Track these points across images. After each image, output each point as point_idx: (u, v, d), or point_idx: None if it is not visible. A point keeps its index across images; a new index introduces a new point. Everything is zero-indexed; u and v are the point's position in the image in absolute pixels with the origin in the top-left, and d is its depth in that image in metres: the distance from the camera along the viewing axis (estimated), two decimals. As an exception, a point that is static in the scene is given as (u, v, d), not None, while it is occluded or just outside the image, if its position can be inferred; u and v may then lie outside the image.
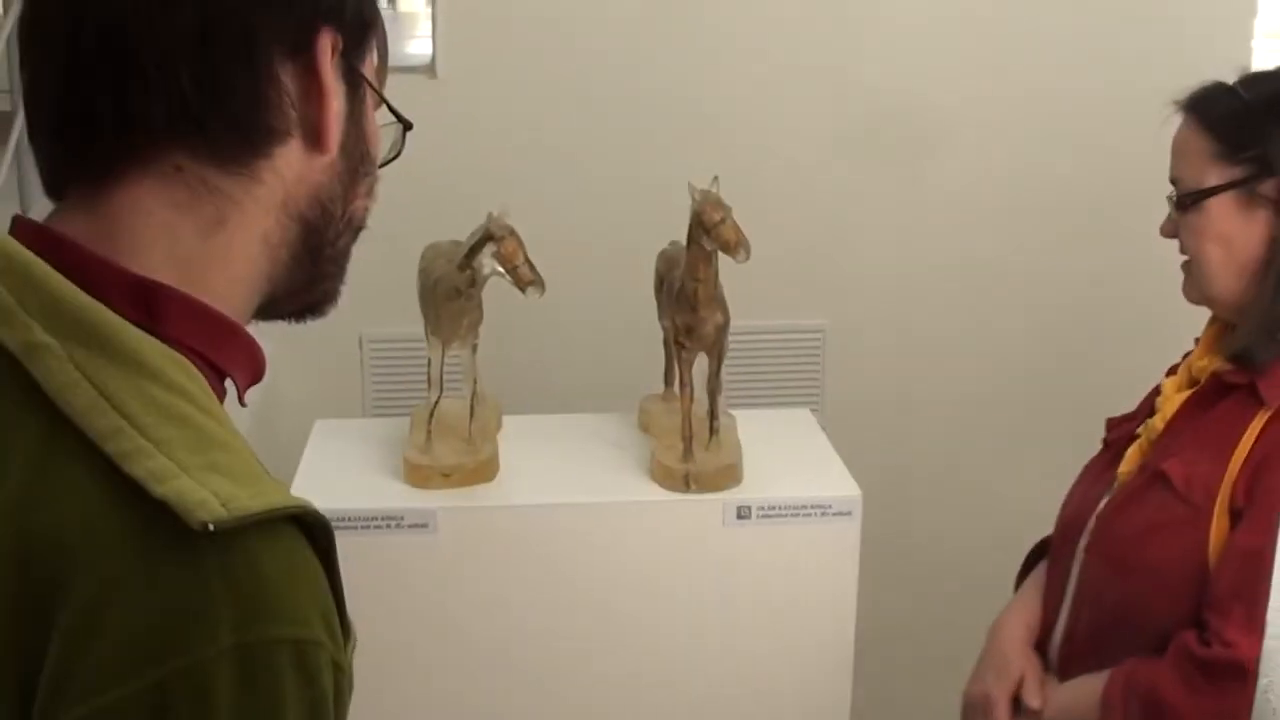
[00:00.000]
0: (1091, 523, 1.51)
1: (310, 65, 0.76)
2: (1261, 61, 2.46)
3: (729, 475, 1.71)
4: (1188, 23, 2.54)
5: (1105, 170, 2.62)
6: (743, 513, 1.68)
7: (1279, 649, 1.12)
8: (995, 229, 2.68)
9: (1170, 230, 1.44)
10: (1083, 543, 1.52)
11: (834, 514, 1.69)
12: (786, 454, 1.80)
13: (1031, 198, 2.66)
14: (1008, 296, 2.72)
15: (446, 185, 2.54)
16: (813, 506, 1.68)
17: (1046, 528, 1.63)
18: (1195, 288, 1.43)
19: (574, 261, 2.48)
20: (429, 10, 2.56)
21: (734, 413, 1.85)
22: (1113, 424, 1.62)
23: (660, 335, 1.86)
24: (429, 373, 1.77)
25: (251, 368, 0.84)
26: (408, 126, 0.86)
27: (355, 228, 0.84)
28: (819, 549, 1.69)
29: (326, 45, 0.77)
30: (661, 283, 1.81)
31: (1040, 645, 1.56)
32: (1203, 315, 1.48)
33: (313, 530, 0.72)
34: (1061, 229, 2.67)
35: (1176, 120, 1.41)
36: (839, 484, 1.72)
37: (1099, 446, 1.56)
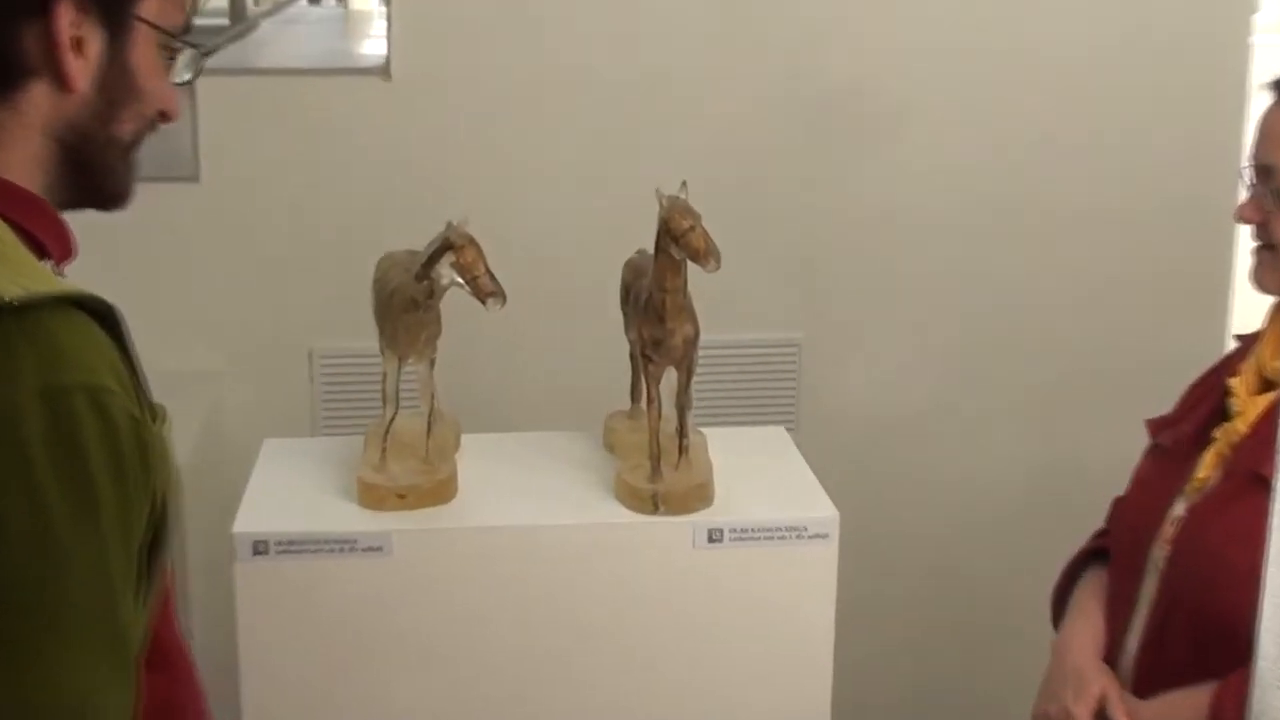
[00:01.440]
0: (1168, 530, 1.52)
1: (49, 26, 1.03)
2: (1261, 59, 2.47)
3: (699, 496, 1.71)
4: (1182, 18, 2.57)
5: (1093, 174, 2.66)
6: (714, 535, 1.68)
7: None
8: (983, 237, 2.69)
9: (1252, 214, 1.44)
10: (1160, 551, 1.52)
11: (810, 536, 1.69)
12: (760, 474, 1.81)
13: (1021, 204, 2.67)
14: (994, 308, 2.74)
15: (402, 192, 2.57)
16: (788, 529, 1.68)
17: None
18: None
19: (537, 272, 2.51)
20: (383, 9, 2.56)
21: (704, 430, 1.85)
22: (1158, 426, 1.63)
23: (626, 349, 1.86)
24: (384, 389, 1.76)
25: (63, 239, 1.12)
26: (204, 52, 1.13)
27: (123, 145, 1.11)
28: (795, 573, 1.69)
29: (61, 12, 1.03)
30: (628, 293, 1.81)
31: (1107, 659, 1.57)
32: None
33: (104, 318, 0.98)
34: (1049, 235, 2.69)
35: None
36: (816, 505, 1.73)
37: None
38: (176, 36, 1.10)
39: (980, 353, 2.75)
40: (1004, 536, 2.78)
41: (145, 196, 2.47)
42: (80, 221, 2.39)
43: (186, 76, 1.13)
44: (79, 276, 2.49)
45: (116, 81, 1.08)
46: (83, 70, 1.05)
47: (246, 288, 2.62)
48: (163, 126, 1.17)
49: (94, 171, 1.10)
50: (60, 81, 1.05)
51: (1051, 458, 2.75)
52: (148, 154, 1.17)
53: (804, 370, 2.71)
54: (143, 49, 1.09)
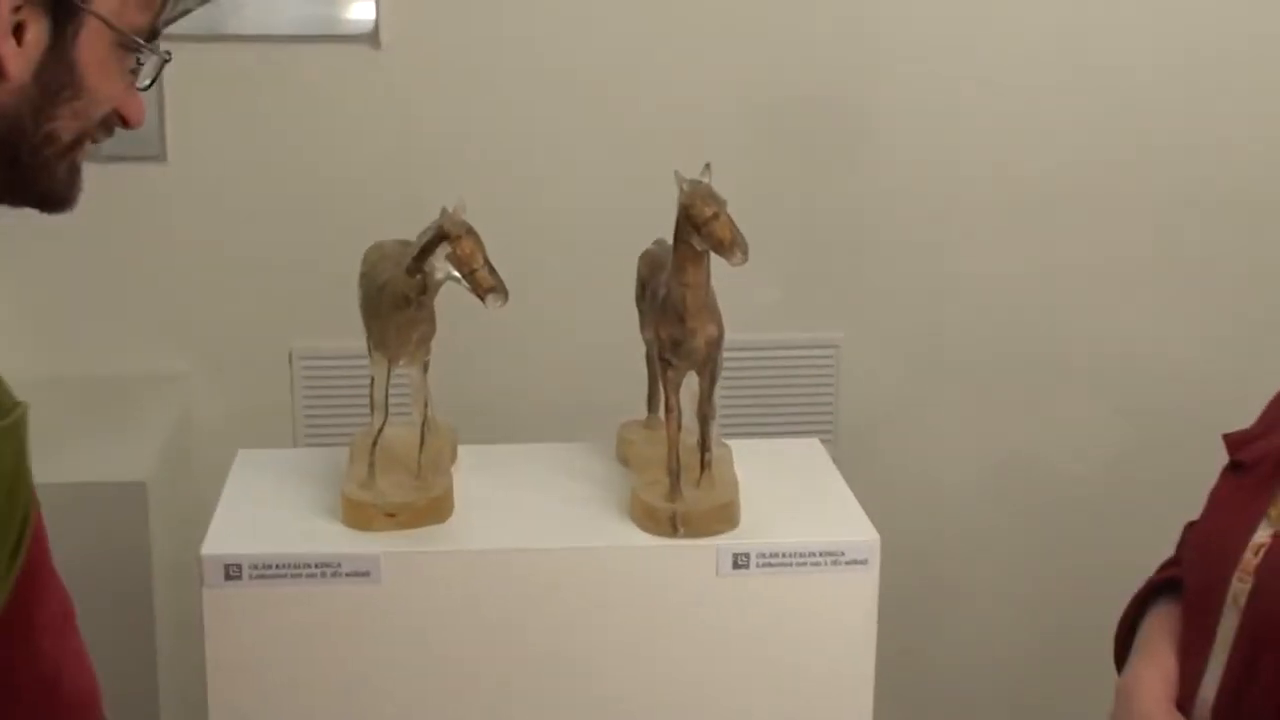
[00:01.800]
0: (1250, 559, 1.51)
1: None
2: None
3: (723, 517, 1.70)
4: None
5: (1163, 170, 2.67)
6: (740, 561, 1.68)
7: None
8: (1037, 229, 2.69)
9: None
10: (1241, 584, 1.51)
11: (848, 562, 1.68)
12: (792, 491, 1.80)
13: (1066, 197, 2.68)
14: (1051, 309, 2.72)
15: (393, 175, 2.55)
16: (823, 554, 1.67)
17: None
18: None
19: (542, 264, 2.54)
20: (371, -32, 2.61)
21: (730, 443, 1.85)
22: (1237, 442, 1.61)
23: (643, 350, 1.85)
24: (371, 395, 1.75)
25: None
26: (164, 60, 1.15)
27: (60, 144, 1.11)
28: (830, 603, 1.69)
29: None
30: (644, 289, 1.80)
31: (1180, 706, 1.56)
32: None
33: None
34: (1104, 229, 2.70)
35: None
36: (854, 527, 1.72)
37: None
38: (134, 39, 1.11)
39: (1039, 360, 2.74)
40: (1073, 562, 2.76)
41: (106, 178, 2.39)
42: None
43: (145, 83, 1.15)
44: (31, 267, 2.56)
45: (57, 75, 1.08)
46: (19, 58, 1.06)
47: (218, 280, 2.61)
48: (129, 133, 1.19)
49: (25, 168, 1.10)
50: None
51: (1131, 476, 2.74)
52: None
53: (843, 375, 2.69)
54: (93, 45, 1.10)
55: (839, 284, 2.67)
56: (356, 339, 1.79)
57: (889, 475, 2.65)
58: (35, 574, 1.18)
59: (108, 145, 1.20)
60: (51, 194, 1.13)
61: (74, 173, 1.14)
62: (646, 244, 1.85)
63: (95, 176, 2.18)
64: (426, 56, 2.52)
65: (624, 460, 1.87)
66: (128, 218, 2.55)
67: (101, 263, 2.57)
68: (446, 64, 2.56)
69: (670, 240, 1.66)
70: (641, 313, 1.82)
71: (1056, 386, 2.76)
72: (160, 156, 2.51)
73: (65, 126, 1.10)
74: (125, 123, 1.15)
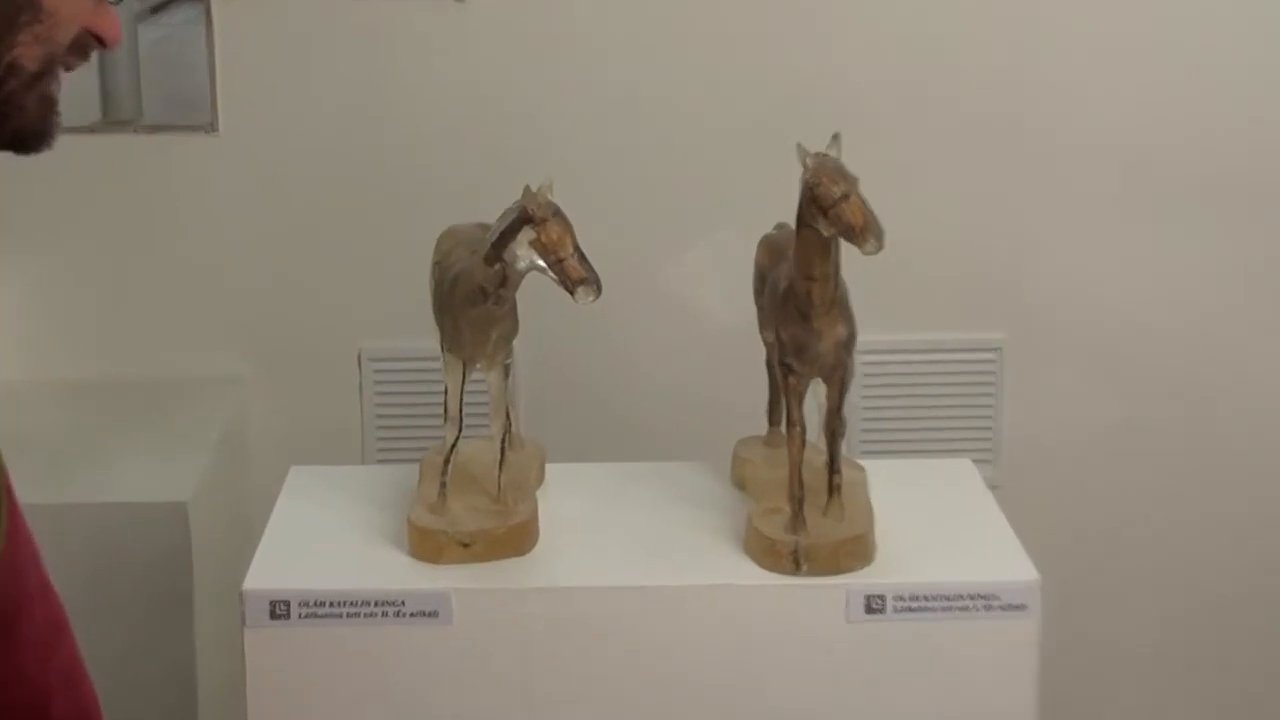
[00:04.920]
0: None
1: None
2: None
3: (855, 551, 1.71)
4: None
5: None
6: (874, 604, 1.68)
7: None
8: (1239, 213, 2.64)
9: None
10: None
11: (1004, 607, 1.67)
12: (938, 522, 1.81)
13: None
14: (1255, 304, 2.67)
15: (474, 149, 2.55)
16: (974, 596, 1.67)
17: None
18: None
19: (643, 253, 2.52)
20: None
21: (864, 463, 1.86)
22: None
23: (761, 354, 1.86)
24: (445, 404, 1.78)
25: None
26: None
27: (26, 74, 1.12)
28: (982, 655, 1.68)
29: None
30: (763, 282, 1.81)
31: None
32: None
33: None
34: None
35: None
36: (1011, 565, 1.72)
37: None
38: None
39: (1236, 370, 2.68)
40: (1264, 609, 2.73)
41: (148, 152, 2.53)
42: (66, 185, 2.47)
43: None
44: (66, 255, 2.61)
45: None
46: None
47: (277, 270, 2.63)
48: (107, 53, 1.19)
49: None
50: None
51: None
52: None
53: (1004, 383, 2.66)
54: None
55: (999, 276, 2.63)
56: (430, 339, 1.80)
57: (1056, 504, 2.61)
58: (18, 574, 1.18)
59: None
60: (24, 131, 1.14)
61: (46, 105, 1.13)
62: (766, 229, 1.84)
63: (136, 150, 2.21)
64: (518, 12, 2.52)
65: (739, 483, 1.89)
66: (172, 197, 2.54)
67: (144, 248, 2.59)
68: (540, 20, 2.56)
69: (794, 225, 1.67)
70: (760, 309, 1.83)
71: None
72: (211, 127, 2.52)
73: (28, 54, 1.10)
74: (101, 42, 1.15)
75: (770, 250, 1.81)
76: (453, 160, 2.55)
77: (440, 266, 1.78)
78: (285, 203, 2.61)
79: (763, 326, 1.83)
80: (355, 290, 2.63)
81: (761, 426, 1.93)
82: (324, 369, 2.65)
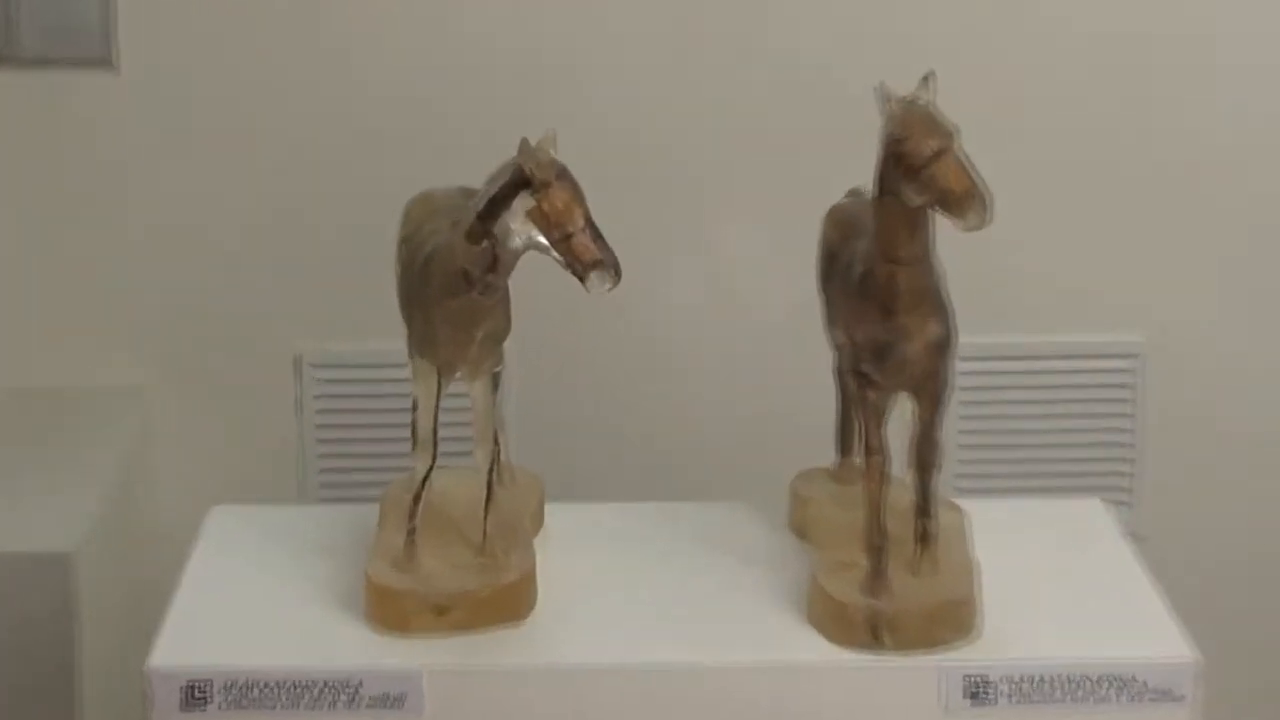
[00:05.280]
0: None
1: None
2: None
3: (953, 620, 1.71)
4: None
5: None
6: (979, 689, 1.68)
7: None
8: None
9: None
10: None
11: (1151, 696, 1.68)
12: (1061, 582, 1.80)
13: None
14: None
15: (449, 89, 2.57)
16: (1111, 679, 1.68)
17: None
18: None
19: (673, 225, 2.53)
20: None
21: (963, 504, 1.86)
22: None
23: (828, 362, 1.86)
24: (414, 424, 1.78)
25: None
26: None
27: None
28: None
29: None
30: (832, 265, 1.80)
31: None
32: None
33: None
34: None
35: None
36: (1160, 640, 1.71)
37: None
38: None
39: None
40: None
41: (24, 93, 2.49)
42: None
43: None
44: None
45: None
46: None
47: (192, 251, 2.63)
48: None
49: None
50: None
51: None
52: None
53: (1145, 400, 2.68)
54: None
55: (1137, 265, 2.69)
56: (394, 339, 1.80)
57: (1216, 560, 2.62)
58: None
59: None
60: None
61: None
62: (836, 196, 1.84)
63: (7, 90, 2.19)
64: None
65: (799, 529, 1.89)
66: (57, 153, 2.58)
67: (17, 220, 2.60)
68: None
69: (871, 190, 1.68)
70: (827, 301, 1.83)
71: None
72: (106, 62, 2.54)
73: None
74: None
75: (841, 224, 1.81)
76: (422, 110, 2.57)
77: (409, 244, 1.78)
78: (204, 163, 2.61)
79: (830, 324, 1.83)
80: (293, 277, 2.63)
81: (827, 455, 1.94)
82: (251, 378, 2.66)
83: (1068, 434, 2.66)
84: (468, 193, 1.73)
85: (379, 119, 2.58)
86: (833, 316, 1.82)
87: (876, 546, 1.73)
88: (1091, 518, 1.94)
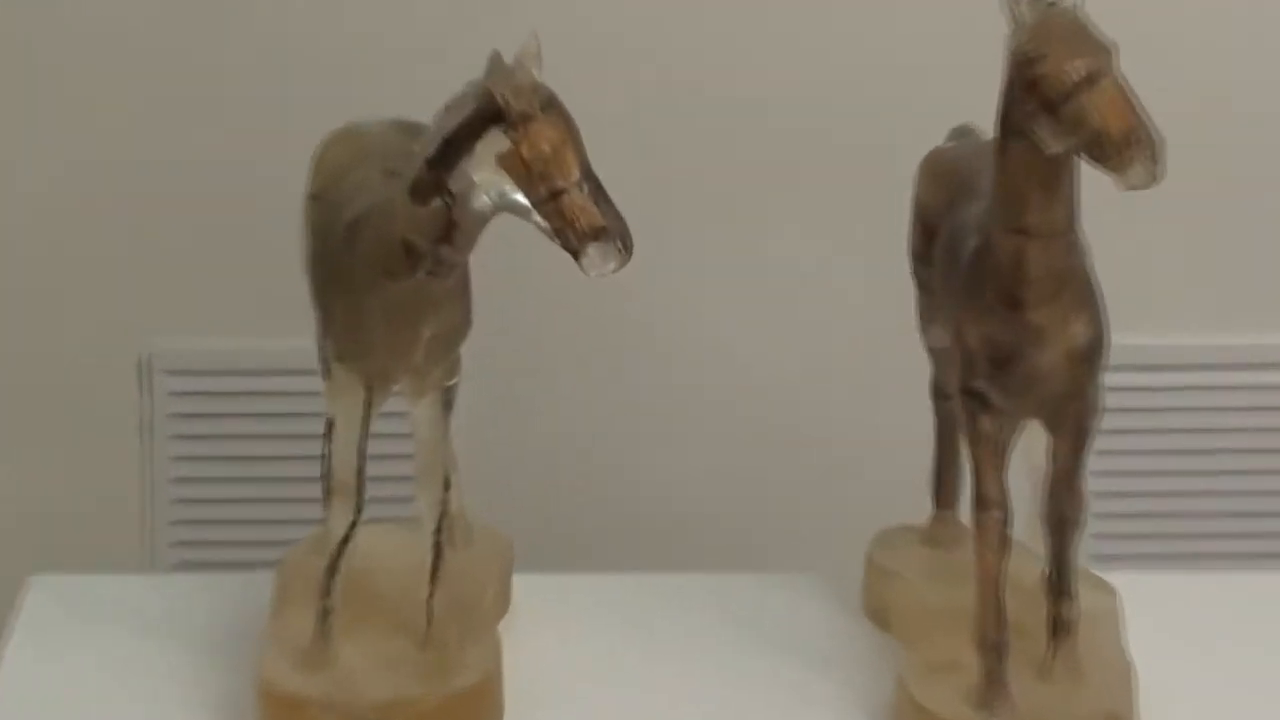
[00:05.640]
0: None
1: None
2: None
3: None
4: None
5: None
6: None
7: None
8: None
9: None
10: None
11: None
12: (1252, 691, 1.81)
13: None
14: None
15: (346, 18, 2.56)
16: None
17: None
18: None
19: (699, 179, 2.55)
20: None
21: (1113, 579, 1.86)
22: None
23: (921, 371, 1.90)
24: (328, 461, 1.80)
25: None
26: None
27: None
28: None
29: None
30: (929, 237, 1.82)
31: None
32: None
33: None
34: None
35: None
36: None
37: None
38: None
39: None
40: None
41: None
42: None
43: None
44: None
45: None
46: None
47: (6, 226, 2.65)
48: None
49: None
50: None
51: None
52: None
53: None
54: None
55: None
56: (293, 337, 1.80)
57: None
58: None
59: None
60: None
61: None
62: (927, 144, 1.83)
63: None
64: None
65: (878, 614, 1.91)
66: None
67: None
68: None
69: (988, 131, 1.69)
70: (923, 290, 1.86)
71: None
72: None
73: None
74: None
75: (944, 179, 1.81)
76: (308, 41, 2.57)
77: (323, 202, 1.78)
78: (16, 104, 2.64)
79: (926, 323, 1.86)
80: (138, 253, 2.65)
81: (916, 508, 1.94)
82: (78, 389, 2.68)
83: (1252, 476, 2.67)
84: (407, 129, 1.75)
85: (264, 46, 2.59)
86: (930, 312, 1.83)
87: (993, 641, 1.71)
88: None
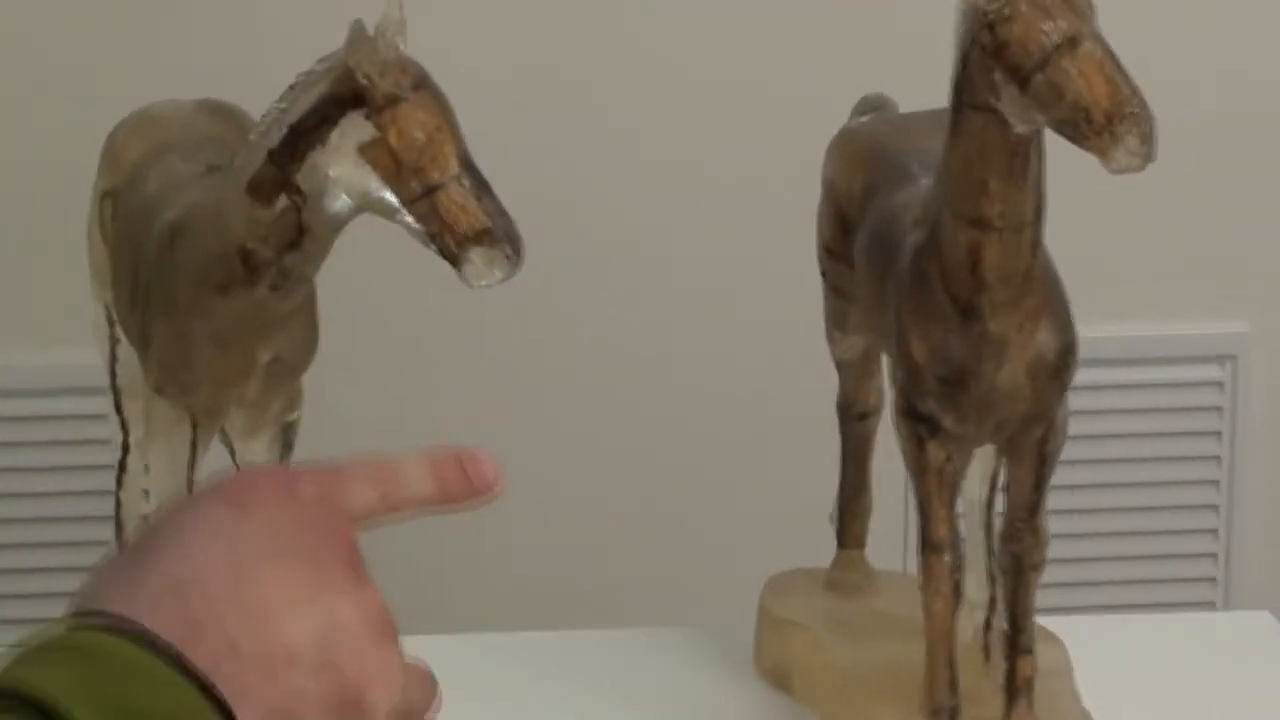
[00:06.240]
0: None
1: None
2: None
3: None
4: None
5: None
6: None
7: None
8: None
9: None
10: None
11: None
12: None
13: None
14: None
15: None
16: None
17: None
18: None
19: (601, 209, 2.44)
20: None
21: (1057, 627, 1.82)
22: None
23: (828, 393, 1.86)
24: (119, 504, 1.75)
25: None
26: None
27: None
28: None
29: None
30: (842, 228, 1.76)
31: None
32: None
33: None
34: None
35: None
36: None
37: None
38: None
39: None
40: None
41: None
42: None
43: None
44: None
45: None
46: None
47: None
48: None
49: None
50: None
51: None
52: None
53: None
54: None
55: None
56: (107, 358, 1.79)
57: None
58: None
59: None
60: None
61: None
62: (823, 129, 1.79)
63: None
64: None
65: (774, 672, 1.84)
66: None
67: None
68: None
69: (948, 104, 1.61)
70: (834, 291, 1.80)
71: None
72: None
73: None
74: None
75: (863, 162, 1.74)
76: None
77: (122, 200, 1.71)
78: None
79: (836, 326, 1.79)
80: None
81: (820, 550, 1.85)
82: None
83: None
84: (216, 111, 1.71)
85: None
86: (841, 319, 1.76)
87: (947, 709, 1.59)
88: (1260, 636, 1.87)
